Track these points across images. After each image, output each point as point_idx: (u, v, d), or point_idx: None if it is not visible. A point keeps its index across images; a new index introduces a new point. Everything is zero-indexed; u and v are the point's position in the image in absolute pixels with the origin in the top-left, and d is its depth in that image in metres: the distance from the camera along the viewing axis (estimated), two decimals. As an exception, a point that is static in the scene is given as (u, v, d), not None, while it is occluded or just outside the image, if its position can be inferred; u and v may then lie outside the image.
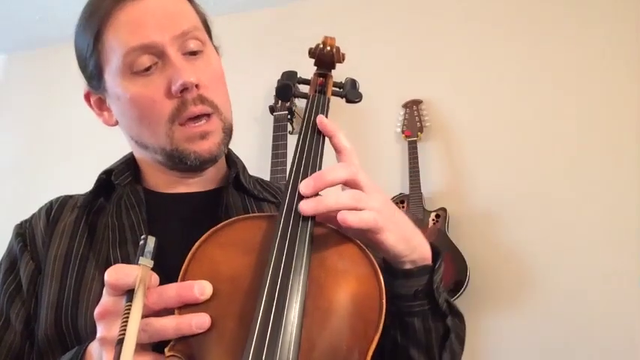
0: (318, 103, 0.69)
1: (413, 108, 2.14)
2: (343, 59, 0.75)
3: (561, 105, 2.02)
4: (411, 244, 0.59)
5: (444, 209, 1.97)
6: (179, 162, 0.69)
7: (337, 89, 0.75)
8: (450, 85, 2.18)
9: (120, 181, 0.75)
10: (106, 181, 0.76)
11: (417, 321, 0.61)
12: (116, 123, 0.76)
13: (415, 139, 2.08)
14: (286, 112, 2.09)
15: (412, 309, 0.61)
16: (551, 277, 1.86)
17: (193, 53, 0.69)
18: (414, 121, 2.12)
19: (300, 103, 2.25)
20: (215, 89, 0.71)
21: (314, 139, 0.63)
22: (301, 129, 0.65)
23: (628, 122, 1.92)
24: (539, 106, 2.04)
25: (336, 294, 0.53)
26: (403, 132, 2.11)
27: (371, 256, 0.56)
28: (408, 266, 0.60)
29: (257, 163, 2.10)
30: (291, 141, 1.97)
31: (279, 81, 0.77)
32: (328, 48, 0.73)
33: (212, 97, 0.69)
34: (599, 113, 1.97)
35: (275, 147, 2.00)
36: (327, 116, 0.67)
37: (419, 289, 0.60)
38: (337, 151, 0.62)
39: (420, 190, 1.99)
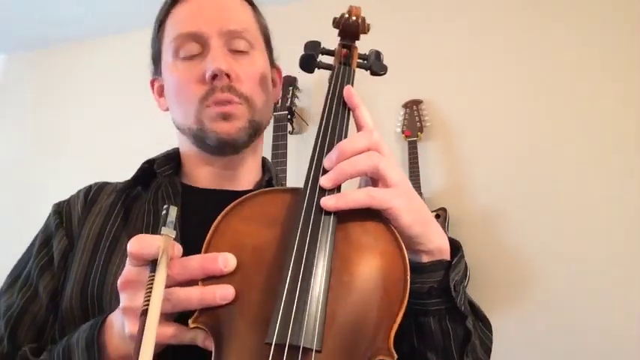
0: (344, 75, 0.68)
1: (413, 108, 2.14)
2: (368, 30, 0.73)
3: (562, 104, 2.02)
4: (428, 231, 0.57)
5: (444, 209, 1.97)
6: (201, 142, 0.72)
7: (362, 61, 0.73)
8: (450, 85, 2.18)
9: (162, 170, 0.78)
10: (148, 170, 0.78)
11: (432, 321, 0.58)
12: (167, 109, 0.80)
13: (415, 139, 2.08)
14: (286, 112, 2.09)
15: (427, 307, 0.58)
16: (551, 277, 1.86)
17: (240, 52, 0.73)
18: (414, 121, 2.12)
19: (300, 104, 2.25)
20: (250, 86, 0.73)
21: (339, 112, 0.62)
22: (326, 101, 0.64)
23: (629, 121, 1.92)
24: (540, 106, 2.04)
25: (361, 269, 0.52)
26: (403, 132, 2.11)
27: (395, 231, 0.54)
28: (423, 258, 0.58)
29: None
30: (291, 141, 1.97)
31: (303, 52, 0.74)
32: (354, 18, 0.71)
33: (243, 90, 0.71)
34: (599, 112, 1.97)
35: (275, 147, 1.99)
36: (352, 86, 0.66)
37: (434, 285, 0.57)
38: (358, 126, 0.61)
39: (420, 190, 1.99)
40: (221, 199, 0.57)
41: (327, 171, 0.55)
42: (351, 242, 0.53)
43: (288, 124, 2.09)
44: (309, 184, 0.55)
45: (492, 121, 2.09)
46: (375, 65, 0.73)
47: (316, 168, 0.56)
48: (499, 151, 2.05)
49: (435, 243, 0.57)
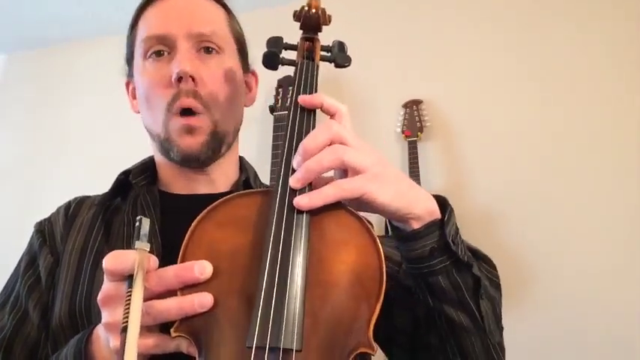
0: (307, 70, 0.67)
1: (413, 108, 2.14)
2: (330, 21, 0.72)
3: (562, 105, 2.02)
4: (408, 199, 0.56)
5: (444, 209, 1.97)
6: (167, 154, 0.73)
7: (325, 53, 0.72)
8: (450, 85, 2.18)
9: (137, 181, 0.78)
10: (124, 181, 0.79)
11: (442, 279, 0.58)
12: (139, 111, 0.80)
13: (415, 139, 2.08)
14: (286, 112, 2.09)
15: (433, 268, 0.58)
16: (551, 277, 1.86)
17: (207, 54, 0.73)
18: (414, 121, 2.12)
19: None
20: (214, 90, 0.72)
21: (304, 109, 0.62)
22: (291, 99, 0.63)
23: (629, 121, 1.92)
24: (540, 106, 2.04)
25: (337, 265, 0.52)
26: (403, 132, 2.11)
27: (368, 225, 0.55)
28: (415, 225, 0.58)
29: (257, 163, 2.07)
30: (291, 141, 1.97)
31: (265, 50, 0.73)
32: (313, 10, 0.70)
33: (207, 96, 0.71)
34: (599, 112, 1.96)
35: (275, 147, 1.99)
36: (316, 83, 0.66)
37: (434, 246, 0.58)
38: (331, 115, 0.61)
39: (420, 190, 1.99)
40: (198, 203, 0.58)
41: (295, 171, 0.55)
42: (325, 239, 0.53)
43: (288, 124, 2.08)
44: (280, 185, 0.55)
45: (492, 121, 2.09)
46: (339, 57, 0.71)
47: (286, 167, 0.56)
48: (499, 151, 2.04)
49: (420, 208, 0.57)
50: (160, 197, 0.76)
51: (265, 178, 1.89)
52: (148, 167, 0.81)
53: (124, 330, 0.43)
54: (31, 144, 2.74)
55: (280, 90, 2.15)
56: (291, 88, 2.12)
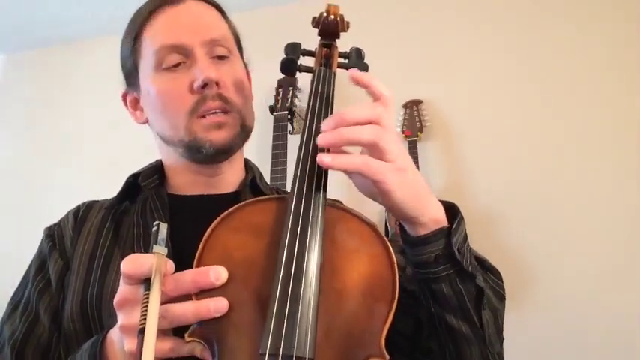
0: (325, 78, 0.67)
1: (413, 108, 2.14)
2: (348, 28, 0.72)
3: (562, 106, 2.02)
4: (421, 205, 0.57)
5: (444, 209, 1.97)
6: (196, 152, 0.72)
7: (342, 60, 0.73)
8: (450, 85, 2.18)
9: (147, 184, 0.78)
10: (133, 184, 0.79)
11: (445, 286, 0.59)
12: (146, 121, 0.80)
13: (415, 139, 2.07)
14: (286, 112, 2.09)
15: (437, 275, 0.59)
16: (551, 278, 1.86)
17: (221, 58, 0.74)
18: (414, 121, 2.11)
19: (301, 104, 2.24)
20: (235, 92, 0.74)
21: (321, 116, 0.61)
22: (308, 105, 0.63)
23: (629, 122, 1.92)
24: (540, 106, 2.04)
25: (350, 274, 0.53)
26: (403, 132, 2.11)
27: (382, 234, 0.55)
28: (420, 231, 0.58)
29: (257, 164, 2.07)
30: (292, 141, 1.97)
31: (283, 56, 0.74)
32: (332, 17, 0.70)
33: (231, 97, 0.73)
34: (599, 113, 1.96)
35: (275, 147, 1.99)
36: (334, 91, 0.66)
37: (439, 253, 0.58)
38: (375, 99, 0.58)
39: (420, 190, 1.99)
40: (208, 204, 0.58)
41: (313, 179, 0.54)
42: (339, 248, 0.54)
43: (288, 124, 2.08)
44: (296, 189, 0.55)
45: (492, 121, 2.09)
46: (357, 65, 0.72)
47: (302, 172, 0.56)
48: (499, 152, 2.04)
49: (429, 215, 0.58)
50: (168, 199, 0.76)
51: (265, 178, 1.89)
52: (156, 170, 0.81)
53: (141, 332, 0.44)
54: (31, 144, 2.74)
55: (280, 90, 2.15)
56: (291, 88, 2.13)
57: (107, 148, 2.50)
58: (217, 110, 0.71)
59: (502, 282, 0.67)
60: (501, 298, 0.66)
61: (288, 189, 0.58)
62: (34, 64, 2.89)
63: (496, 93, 2.11)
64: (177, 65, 0.72)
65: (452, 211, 0.61)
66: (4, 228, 2.55)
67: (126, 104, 0.83)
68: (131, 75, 0.79)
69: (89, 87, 2.68)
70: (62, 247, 0.74)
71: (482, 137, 2.08)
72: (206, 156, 0.72)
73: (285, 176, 1.88)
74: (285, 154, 1.94)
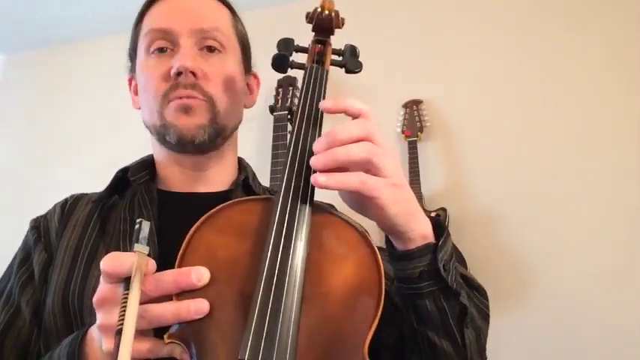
0: (316, 77, 0.65)
1: (413, 108, 2.14)
2: (343, 24, 0.71)
3: (562, 106, 2.02)
4: (411, 220, 0.57)
5: (443, 209, 1.97)
6: (163, 138, 0.72)
7: (336, 57, 0.71)
8: (450, 85, 2.18)
9: (136, 178, 0.77)
10: (122, 178, 0.78)
11: (428, 303, 0.58)
12: (140, 107, 0.80)
13: (415, 139, 2.07)
14: (286, 112, 2.09)
15: (421, 290, 0.58)
16: (551, 277, 1.86)
17: (210, 50, 0.74)
18: (414, 121, 2.11)
19: (300, 103, 2.24)
20: (215, 86, 0.73)
21: (311, 116, 0.60)
22: (299, 104, 0.62)
23: (629, 123, 1.92)
24: (540, 106, 2.04)
25: (335, 279, 0.52)
26: (403, 132, 2.11)
27: (370, 240, 0.54)
28: (407, 245, 0.58)
29: (257, 163, 2.07)
30: (291, 141, 1.97)
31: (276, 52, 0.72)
32: (327, 12, 0.68)
33: (209, 90, 0.71)
34: (599, 113, 1.96)
35: (275, 147, 1.99)
36: (325, 89, 0.64)
37: (424, 269, 0.58)
38: (356, 117, 0.58)
39: (420, 190, 1.99)
40: (198, 202, 0.57)
41: (301, 181, 0.54)
42: (325, 252, 0.53)
43: (288, 124, 2.08)
44: (283, 190, 0.54)
45: (493, 121, 2.09)
46: (350, 63, 0.70)
47: (289, 174, 0.55)
48: (499, 152, 2.04)
49: (417, 231, 0.58)
50: (158, 195, 0.75)
51: (265, 178, 1.89)
52: (147, 165, 0.80)
53: (119, 333, 0.43)
54: (31, 144, 2.74)
55: (280, 90, 2.15)
56: (291, 88, 2.13)
57: (107, 148, 2.50)
58: (187, 96, 0.70)
59: (487, 301, 0.66)
60: (485, 317, 0.65)
61: None
62: (34, 64, 2.89)
63: (496, 93, 2.11)
64: (163, 50, 0.73)
65: (439, 227, 0.61)
66: (4, 228, 2.55)
67: (130, 89, 0.84)
68: (132, 59, 0.81)
69: (89, 87, 2.68)
70: (47, 239, 0.73)
71: (482, 137, 2.08)
72: (171, 144, 0.72)
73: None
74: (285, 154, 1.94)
